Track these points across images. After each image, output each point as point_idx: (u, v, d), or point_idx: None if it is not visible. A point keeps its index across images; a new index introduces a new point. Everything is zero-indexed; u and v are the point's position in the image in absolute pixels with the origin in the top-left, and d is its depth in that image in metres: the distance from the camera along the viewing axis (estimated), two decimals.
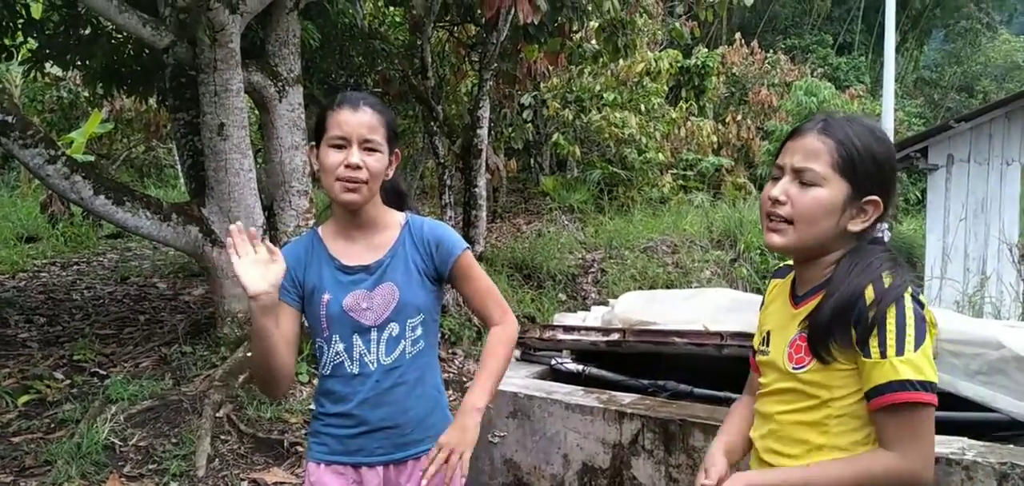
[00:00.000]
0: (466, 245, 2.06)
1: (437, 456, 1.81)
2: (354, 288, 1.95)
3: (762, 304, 1.84)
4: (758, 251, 9.70)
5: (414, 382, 2.00)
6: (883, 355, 1.45)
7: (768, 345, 1.70)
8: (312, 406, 2.09)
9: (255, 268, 1.80)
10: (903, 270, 1.52)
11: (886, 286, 1.47)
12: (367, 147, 1.89)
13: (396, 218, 2.05)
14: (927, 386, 1.44)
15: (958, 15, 27.02)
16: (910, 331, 1.45)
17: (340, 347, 1.95)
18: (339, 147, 1.89)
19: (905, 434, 1.45)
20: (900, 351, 1.44)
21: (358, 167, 1.86)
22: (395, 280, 1.96)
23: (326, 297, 1.94)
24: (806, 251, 1.59)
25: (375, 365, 1.95)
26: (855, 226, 1.55)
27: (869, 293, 1.47)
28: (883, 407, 1.45)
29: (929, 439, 1.46)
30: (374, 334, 1.94)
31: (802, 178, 1.54)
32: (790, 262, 1.77)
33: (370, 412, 1.95)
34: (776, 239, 1.58)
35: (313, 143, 1.97)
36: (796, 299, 1.65)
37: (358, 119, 1.88)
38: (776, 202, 1.57)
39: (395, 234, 2.01)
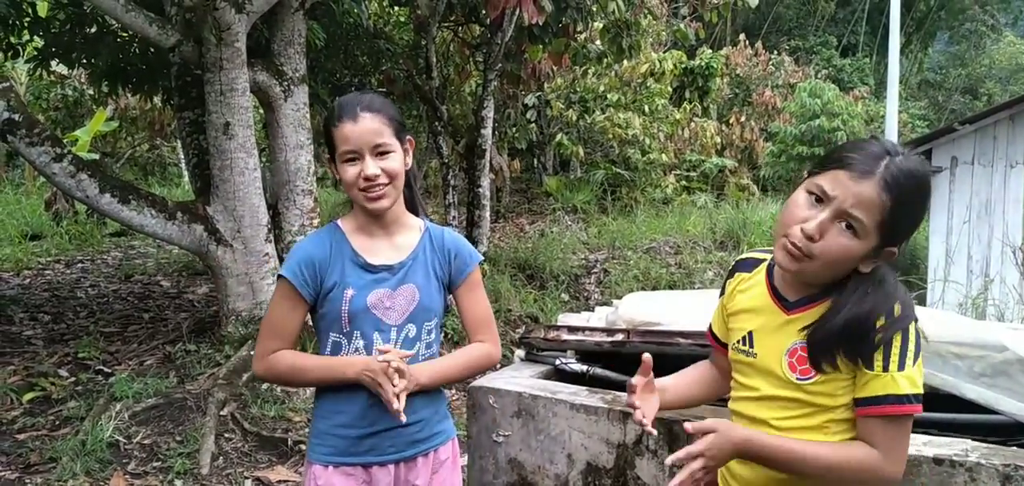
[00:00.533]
0: (480, 258, 2.13)
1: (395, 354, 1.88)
2: (377, 286, 1.97)
3: (723, 293, 1.82)
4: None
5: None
6: (885, 369, 1.49)
7: (751, 346, 1.67)
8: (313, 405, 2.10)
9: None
10: (909, 297, 1.55)
11: (896, 315, 1.50)
12: (379, 152, 1.90)
13: (416, 222, 2.09)
14: (918, 398, 1.50)
15: (963, 17, 26.99)
16: (911, 347, 1.50)
17: (360, 344, 1.96)
18: (352, 161, 1.90)
19: (892, 440, 1.51)
20: (901, 366, 1.49)
21: (376, 176, 1.89)
22: (416, 282, 2.00)
23: (350, 293, 1.94)
24: (815, 281, 1.57)
25: None
26: (865, 268, 1.53)
27: (880, 321, 1.49)
28: (879, 415, 1.51)
29: (907, 444, 1.55)
30: (393, 334, 1.96)
31: (847, 222, 1.48)
32: (757, 255, 1.77)
33: (384, 412, 1.94)
34: (789, 264, 1.53)
35: (330, 159, 1.99)
36: (786, 305, 1.63)
37: (362, 128, 1.88)
38: (809, 238, 1.48)
39: (416, 237, 2.05)
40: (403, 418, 1.83)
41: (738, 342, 1.71)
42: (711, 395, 1.99)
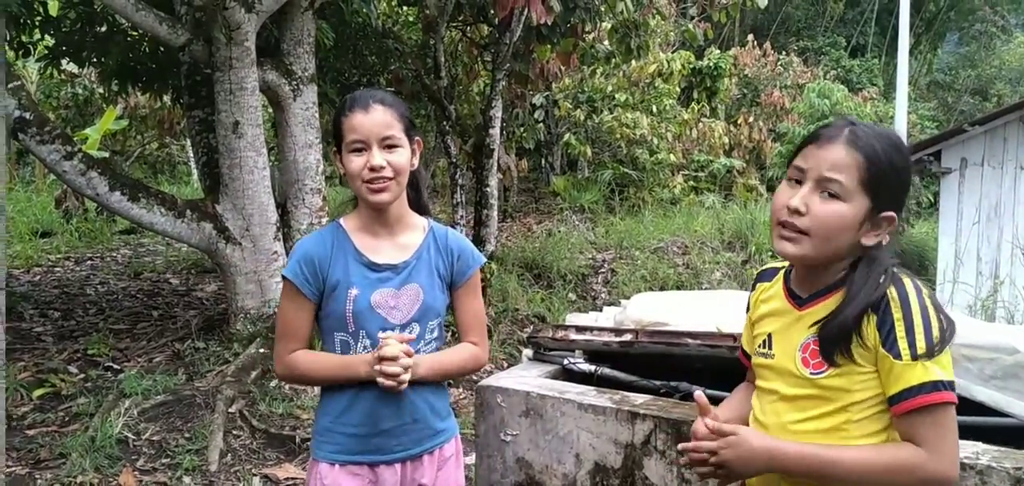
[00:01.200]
0: (483, 261, 2.14)
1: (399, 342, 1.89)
2: (381, 285, 1.96)
3: (748, 308, 1.81)
4: (769, 253, 9.67)
5: (431, 382, 2.03)
6: (914, 357, 1.44)
7: (770, 347, 1.66)
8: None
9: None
10: (914, 275, 1.53)
11: (907, 289, 1.48)
12: (387, 145, 1.90)
13: (420, 221, 2.08)
14: (951, 385, 1.45)
15: (973, 18, 26.81)
16: (936, 332, 1.45)
17: (367, 344, 1.96)
18: (359, 151, 1.89)
19: (937, 434, 1.45)
20: (931, 353, 1.44)
21: (381, 167, 1.88)
22: (420, 282, 2.00)
23: (354, 292, 1.94)
24: (817, 263, 1.56)
25: None
26: (869, 240, 1.52)
27: (892, 293, 1.47)
28: (918, 408, 1.44)
29: (956, 437, 1.47)
30: (397, 333, 1.96)
31: (827, 190, 1.50)
32: (777, 265, 1.76)
33: (390, 410, 1.97)
34: (790, 249, 1.54)
35: (336, 150, 1.98)
36: (799, 301, 1.62)
37: (372, 119, 1.88)
38: (795, 213, 1.51)
39: (420, 237, 2.04)
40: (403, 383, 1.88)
41: (759, 346, 1.70)
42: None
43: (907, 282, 1.49)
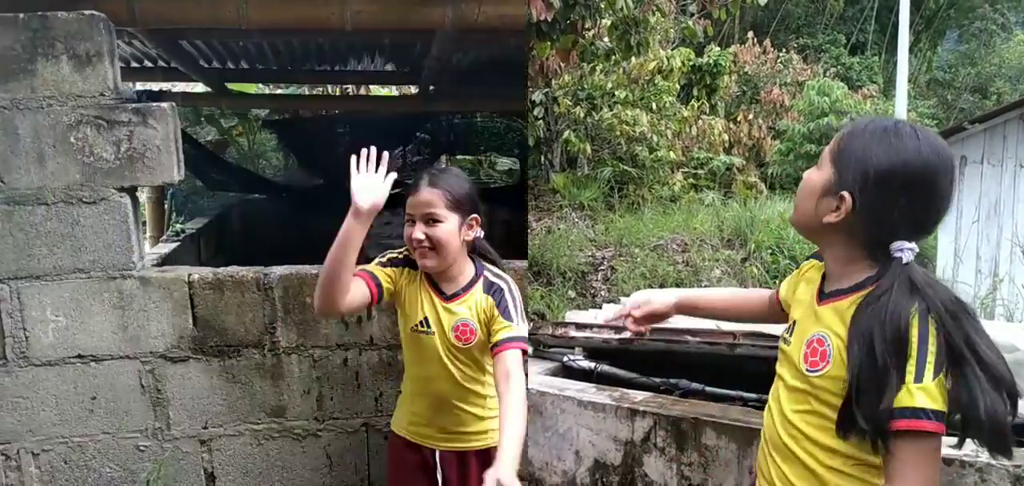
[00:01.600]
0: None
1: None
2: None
3: (796, 273, 1.80)
4: (768, 250, 9.68)
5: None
6: (901, 379, 1.37)
7: (790, 335, 1.66)
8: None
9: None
10: (933, 292, 1.43)
11: (911, 313, 1.40)
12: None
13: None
14: (938, 416, 1.37)
15: (973, 16, 26.80)
16: (930, 357, 1.37)
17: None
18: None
19: (907, 464, 1.37)
20: (918, 378, 1.36)
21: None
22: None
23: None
24: (802, 233, 1.65)
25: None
26: (828, 218, 1.52)
27: (913, 329, 1.40)
28: (893, 431, 1.38)
29: (931, 471, 1.38)
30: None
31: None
32: None
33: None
34: (793, 218, 1.67)
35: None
36: (821, 295, 1.61)
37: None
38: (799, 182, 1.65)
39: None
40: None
41: (785, 332, 1.71)
42: (746, 311, 2.07)
43: (914, 314, 1.40)
